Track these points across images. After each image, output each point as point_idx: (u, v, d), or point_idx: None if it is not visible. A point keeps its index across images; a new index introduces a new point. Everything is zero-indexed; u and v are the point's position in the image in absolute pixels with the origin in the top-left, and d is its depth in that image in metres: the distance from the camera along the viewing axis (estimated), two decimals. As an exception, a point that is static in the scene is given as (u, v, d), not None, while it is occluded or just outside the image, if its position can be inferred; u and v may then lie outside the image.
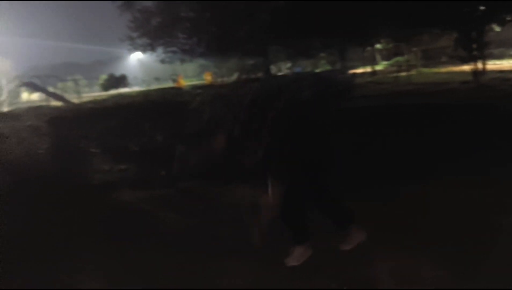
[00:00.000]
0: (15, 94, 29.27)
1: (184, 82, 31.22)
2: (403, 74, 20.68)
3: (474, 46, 14.95)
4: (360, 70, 26.85)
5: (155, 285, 3.24)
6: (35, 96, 28.23)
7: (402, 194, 4.49)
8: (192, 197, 5.51)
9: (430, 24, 17.10)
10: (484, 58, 15.79)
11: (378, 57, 34.54)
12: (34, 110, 8.34)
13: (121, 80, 33.34)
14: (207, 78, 32.28)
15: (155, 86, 32.39)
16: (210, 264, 3.44)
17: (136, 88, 33.93)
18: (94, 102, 8.82)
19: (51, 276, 3.49)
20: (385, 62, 32.91)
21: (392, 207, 4.18)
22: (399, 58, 25.84)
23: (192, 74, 44.86)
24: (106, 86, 33.17)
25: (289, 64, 32.67)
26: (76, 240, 4.12)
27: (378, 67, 31.12)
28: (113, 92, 29.57)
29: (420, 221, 3.78)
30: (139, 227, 4.45)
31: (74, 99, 21.49)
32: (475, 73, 14.95)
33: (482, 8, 14.52)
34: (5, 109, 17.92)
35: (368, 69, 28.17)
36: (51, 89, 24.24)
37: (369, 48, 29.25)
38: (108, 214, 4.98)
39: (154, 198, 5.51)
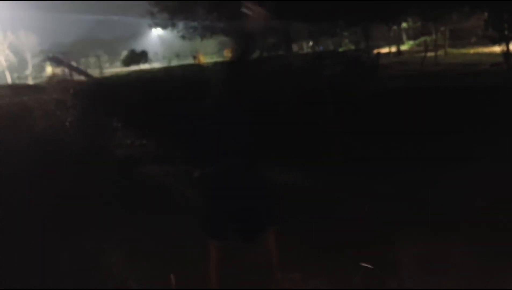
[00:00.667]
0: (40, 68, 29.71)
1: (204, 59, 31.13)
2: (430, 54, 20.15)
3: (506, 26, 14.35)
4: (385, 50, 26.32)
5: (173, 257, 3.25)
6: (59, 71, 28.50)
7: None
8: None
9: (460, 1, 16.47)
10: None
11: (404, 36, 33.81)
12: (59, 84, 8.38)
13: (142, 56, 33.38)
14: (228, 55, 32.10)
15: (175, 62, 32.38)
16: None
17: (156, 64, 34.00)
18: (117, 77, 8.82)
19: (74, 244, 3.53)
20: (411, 42, 32.20)
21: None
22: (426, 38, 25.21)
23: (212, 51, 44.73)
24: (127, 62, 33.29)
25: (311, 43, 32.22)
26: (96, 211, 4.17)
27: (404, 47, 30.48)
28: (134, 68, 29.70)
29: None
30: (158, 201, 4.49)
31: (96, 74, 21.67)
32: (506, 54, 14.44)
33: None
34: (30, 82, 18.15)
35: (394, 49, 27.62)
36: (74, 64, 24.41)
37: (395, 27, 28.60)
38: (128, 187, 5.02)
39: (173, 173, 5.53)
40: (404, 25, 30.87)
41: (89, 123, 6.47)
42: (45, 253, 3.43)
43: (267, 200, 2.71)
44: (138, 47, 37.37)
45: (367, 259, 2.94)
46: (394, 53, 26.52)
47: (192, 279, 2.95)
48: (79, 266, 3.27)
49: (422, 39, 26.16)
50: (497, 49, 15.60)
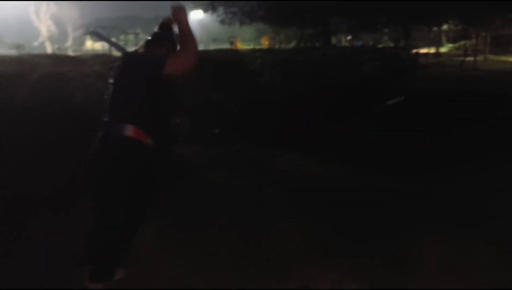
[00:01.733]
0: (80, 42, 30.40)
1: (241, 45, 31.18)
2: (469, 58, 19.67)
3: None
4: (423, 50, 25.79)
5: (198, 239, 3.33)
6: (98, 46, 29.10)
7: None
8: (241, 158, 5.62)
9: (506, 8, 15.97)
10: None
11: (443, 38, 33.02)
12: (99, 58, 8.55)
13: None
14: (265, 42, 32.11)
15: (212, 46, 32.47)
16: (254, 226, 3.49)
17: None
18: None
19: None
20: (451, 45, 31.44)
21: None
22: (466, 42, 24.58)
23: (249, 38, 44.74)
24: (164, 42, 33.55)
25: (349, 37, 31.86)
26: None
27: (443, 49, 29.79)
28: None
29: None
30: (187, 181, 4.58)
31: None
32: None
33: None
34: (71, 54, 18.57)
35: (432, 50, 27.04)
36: (113, 40, 24.73)
37: (435, 28, 27.97)
38: (159, 164, 5.13)
39: (204, 155, 5.62)
40: (444, 27, 30.15)
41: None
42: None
43: None
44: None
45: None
46: (432, 54, 25.96)
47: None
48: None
49: (462, 43, 25.51)
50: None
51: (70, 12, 32.73)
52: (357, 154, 5.46)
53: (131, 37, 33.52)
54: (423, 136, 6.02)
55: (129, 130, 2.36)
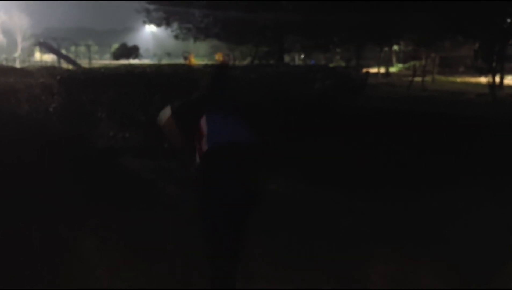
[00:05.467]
0: (29, 52, 29.37)
1: (195, 61, 31.15)
2: (418, 79, 20.47)
3: (495, 58, 14.56)
4: (374, 70, 26.62)
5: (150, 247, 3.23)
6: (47, 57, 28.20)
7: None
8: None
9: (455, 30, 16.75)
10: (503, 72, 15.53)
11: (394, 58, 34.31)
12: (47, 70, 8.28)
13: (133, 51, 33.05)
14: (219, 58, 32.24)
15: (165, 61, 32.25)
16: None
17: (146, 61, 33.79)
18: (106, 68, 8.78)
19: (49, 232, 3.49)
20: (400, 65, 32.72)
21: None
22: (415, 62, 25.62)
23: (204, 54, 44.90)
24: (117, 55, 32.95)
25: (303, 56, 32.54)
26: (73, 199, 4.14)
27: (393, 69, 30.91)
28: (123, 61, 29.46)
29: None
30: (136, 194, 4.49)
31: (85, 64, 21.44)
32: (492, 86, 14.74)
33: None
34: (18, 65, 17.89)
35: (382, 69, 27.99)
36: (64, 51, 24.11)
37: (386, 49, 29.00)
38: (106, 178, 5.00)
39: (155, 168, 5.52)
40: (395, 47, 31.37)
41: (73, 111, 6.40)
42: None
43: None
44: (130, 41, 37.13)
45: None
46: (382, 74, 26.88)
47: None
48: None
49: (411, 63, 26.57)
50: (483, 80, 15.89)
51: (20, 21, 31.51)
52: (311, 169, 5.49)
53: (82, 48, 32.72)
54: (375, 152, 6.15)
55: None
